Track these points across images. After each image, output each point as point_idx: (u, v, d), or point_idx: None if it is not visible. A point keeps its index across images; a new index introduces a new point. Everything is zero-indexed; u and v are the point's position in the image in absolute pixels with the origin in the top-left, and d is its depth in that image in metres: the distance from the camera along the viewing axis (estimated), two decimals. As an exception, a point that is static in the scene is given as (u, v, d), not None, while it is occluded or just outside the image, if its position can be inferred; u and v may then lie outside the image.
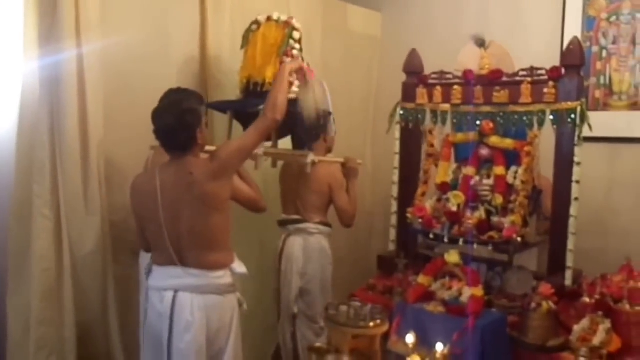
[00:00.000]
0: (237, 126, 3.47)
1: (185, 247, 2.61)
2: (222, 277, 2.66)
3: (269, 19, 3.39)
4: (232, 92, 3.56)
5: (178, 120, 2.56)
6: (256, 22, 3.43)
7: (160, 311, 2.61)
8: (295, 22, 3.37)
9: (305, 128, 3.18)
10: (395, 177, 3.68)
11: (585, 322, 2.72)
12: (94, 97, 3.11)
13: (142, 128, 3.21)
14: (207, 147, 2.79)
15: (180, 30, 3.55)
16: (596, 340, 2.61)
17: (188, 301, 2.58)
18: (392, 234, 3.70)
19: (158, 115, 2.60)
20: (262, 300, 3.79)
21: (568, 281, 2.99)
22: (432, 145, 3.55)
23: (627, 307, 2.75)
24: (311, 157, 3.40)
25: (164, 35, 3.47)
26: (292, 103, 3.08)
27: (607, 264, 3.21)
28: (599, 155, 3.75)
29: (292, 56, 3.30)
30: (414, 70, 3.61)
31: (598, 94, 3.94)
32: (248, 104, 3.28)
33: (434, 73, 3.48)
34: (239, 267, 2.73)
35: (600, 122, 3.59)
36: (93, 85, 3.10)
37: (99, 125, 3.16)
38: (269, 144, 3.34)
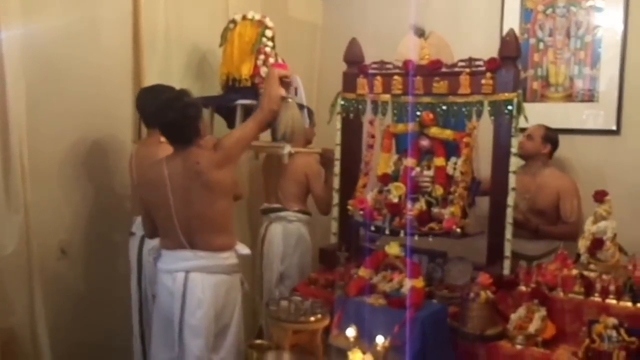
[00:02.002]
0: (218, 119, 3.84)
1: (195, 231, 2.95)
2: (229, 258, 3.03)
3: (244, 17, 3.78)
4: (167, 78, 3.64)
5: (181, 114, 2.89)
6: (233, 21, 3.84)
7: (172, 290, 2.94)
8: (267, 21, 3.78)
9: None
10: (337, 169, 3.76)
11: (521, 311, 2.90)
12: (15, 84, 3.08)
13: (71, 118, 3.29)
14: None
15: (111, 13, 3.57)
16: (532, 328, 2.79)
17: (199, 280, 2.93)
18: (334, 226, 3.78)
19: (161, 113, 2.93)
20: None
21: (506, 270, 3.16)
22: (372, 136, 3.64)
23: (561, 294, 2.94)
24: (287, 148, 3.73)
25: (93, 19, 3.48)
26: None
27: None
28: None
29: (265, 53, 3.75)
30: (354, 60, 3.70)
31: (535, 85, 4.17)
32: (227, 98, 3.65)
33: (374, 63, 3.58)
34: (243, 249, 3.10)
35: (538, 114, 3.84)
36: (13, 72, 3.08)
37: (20, 114, 3.12)
38: None
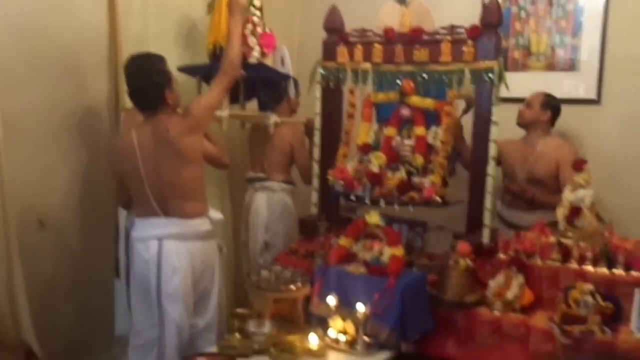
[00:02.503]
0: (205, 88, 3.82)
1: (166, 198, 3.04)
2: (202, 224, 3.12)
3: None
4: (144, 44, 3.65)
5: (148, 81, 2.98)
6: None
7: (146, 259, 3.03)
8: None
9: (266, 91, 3.72)
10: (317, 139, 3.79)
11: (500, 278, 2.98)
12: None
13: (45, 85, 3.33)
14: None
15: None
16: (510, 295, 2.88)
17: (173, 248, 3.01)
18: (314, 196, 3.83)
19: (129, 78, 3.03)
20: (233, 253, 4.09)
21: (485, 239, 3.23)
22: (353, 106, 3.68)
23: (539, 262, 3.03)
24: (273, 118, 3.93)
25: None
26: (254, 68, 3.72)
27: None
28: (516, 115, 4.01)
29: (253, 23, 3.79)
30: (334, 28, 3.71)
31: (517, 54, 4.22)
32: (214, 68, 3.60)
33: (355, 31, 3.61)
34: (215, 214, 3.20)
35: (519, 83, 3.90)
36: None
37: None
38: (236, 105, 3.83)
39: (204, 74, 3.87)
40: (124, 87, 3.56)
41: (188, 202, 3.08)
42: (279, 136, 4.14)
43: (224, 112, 3.72)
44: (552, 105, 3.87)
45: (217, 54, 3.77)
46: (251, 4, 3.79)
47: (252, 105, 4.09)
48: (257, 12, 3.83)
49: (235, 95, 3.84)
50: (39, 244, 3.41)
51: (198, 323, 3.15)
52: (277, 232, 4.18)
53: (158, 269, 3.01)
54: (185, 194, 3.07)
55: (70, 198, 3.58)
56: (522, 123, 3.89)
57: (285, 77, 4.03)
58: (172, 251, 3.01)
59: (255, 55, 3.79)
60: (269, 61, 3.95)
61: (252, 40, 3.78)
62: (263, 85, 3.93)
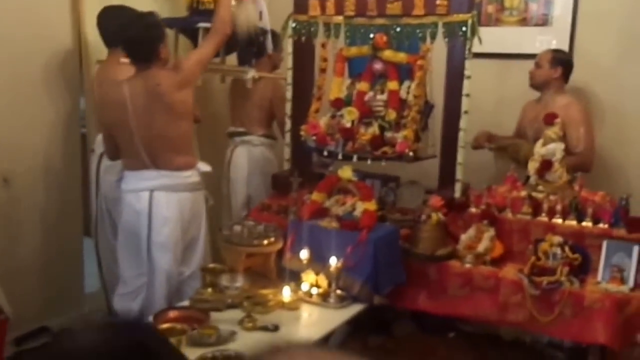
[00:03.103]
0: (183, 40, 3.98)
1: (157, 151, 3.17)
2: (191, 176, 3.28)
3: None
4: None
5: (144, 32, 3.11)
6: None
7: (137, 210, 3.19)
8: None
9: (242, 45, 3.77)
10: (289, 94, 3.82)
11: (471, 231, 3.09)
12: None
13: (6, 42, 3.28)
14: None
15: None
16: (481, 247, 3.00)
17: (164, 199, 3.18)
18: (287, 152, 3.87)
19: (123, 28, 3.15)
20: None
21: (457, 193, 3.32)
22: (325, 60, 3.70)
23: (510, 215, 3.14)
24: (251, 73, 4.00)
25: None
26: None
27: (493, 176, 3.61)
28: (489, 71, 4.10)
29: None
30: (306, -19, 3.73)
31: (490, 9, 4.27)
32: (192, 21, 3.84)
33: (327, -17, 3.63)
34: (203, 166, 3.37)
35: (492, 38, 3.94)
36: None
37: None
38: (217, 59, 3.85)
39: (181, 26, 3.93)
40: (90, 40, 3.58)
41: (178, 155, 3.22)
42: (258, 91, 4.17)
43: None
44: (562, 60, 3.81)
45: (194, 7, 3.87)
46: None
47: (232, 60, 4.14)
48: None
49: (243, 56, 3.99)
50: (4, 202, 3.43)
51: (184, 271, 3.30)
52: (258, 185, 4.24)
53: (149, 219, 3.17)
54: (176, 147, 3.21)
55: (37, 156, 3.61)
56: (534, 84, 3.86)
57: (262, 32, 4.03)
58: (162, 202, 3.18)
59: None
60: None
61: None
62: (241, 39, 3.91)
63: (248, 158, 4.27)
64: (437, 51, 3.40)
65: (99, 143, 3.62)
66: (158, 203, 3.18)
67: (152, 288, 3.21)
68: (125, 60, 3.43)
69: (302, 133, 3.58)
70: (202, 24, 3.85)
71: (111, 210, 3.65)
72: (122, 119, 3.15)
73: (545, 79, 3.81)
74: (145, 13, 3.23)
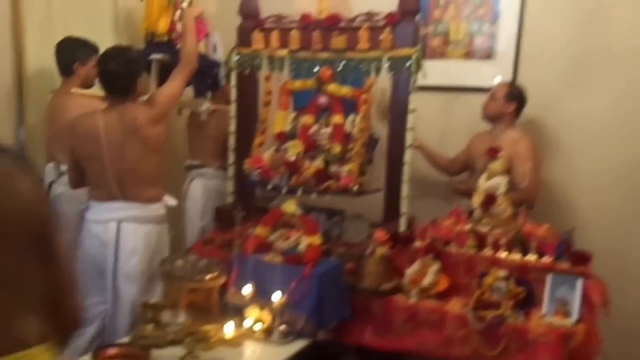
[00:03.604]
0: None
1: (128, 183, 3.27)
2: (158, 209, 3.39)
3: None
4: (50, 29, 3.68)
5: (123, 67, 3.21)
6: None
7: (104, 240, 3.27)
8: None
9: (197, 78, 3.83)
10: (232, 127, 3.86)
11: (416, 265, 3.13)
12: None
13: None
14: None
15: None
16: (426, 282, 3.04)
17: (132, 230, 3.28)
18: (230, 185, 3.90)
19: (104, 61, 3.26)
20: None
21: (402, 227, 3.37)
22: (269, 93, 3.74)
23: (455, 249, 3.20)
24: (205, 105, 4.19)
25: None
26: None
27: (440, 209, 3.68)
28: (435, 104, 4.19)
29: (182, 9, 4.00)
30: (250, 13, 3.76)
31: (435, 42, 4.37)
32: (146, 53, 3.98)
33: (271, 16, 3.68)
34: (170, 200, 3.48)
35: (437, 71, 4.01)
36: None
37: None
38: None
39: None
40: (29, 73, 3.57)
41: (148, 187, 3.33)
42: (214, 123, 4.24)
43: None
44: (517, 96, 3.88)
45: (150, 40, 4.04)
46: None
47: (188, 92, 4.18)
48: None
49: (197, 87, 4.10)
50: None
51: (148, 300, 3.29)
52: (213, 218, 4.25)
53: (116, 249, 3.27)
54: (146, 180, 3.31)
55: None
56: (487, 116, 3.92)
57: (216, 64, 4.11)
58: (130, 233, 3.27)
59: None
60: (200, 48, 4.00)
61: (180, 27, 3.90)
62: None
63: (204, 191, 4.34)
64: (383, 82, 3.46)
65: (48, 172, 3.67)
66: (125, 234, 3.27)
67: (117, 317, 3.30)
68: (77, 90, 3.62)
69: (245, 166, 3.61)
70: (154, 56, 4.01)
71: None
72: (94, 150, 3.24)
73: (499, 112, 3.88)
74: (125, 47, 3.43)
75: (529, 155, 3.75)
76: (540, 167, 3.86)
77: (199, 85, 4.22)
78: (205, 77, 4.12)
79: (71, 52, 3.70)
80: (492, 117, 3.91)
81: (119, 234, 3.27)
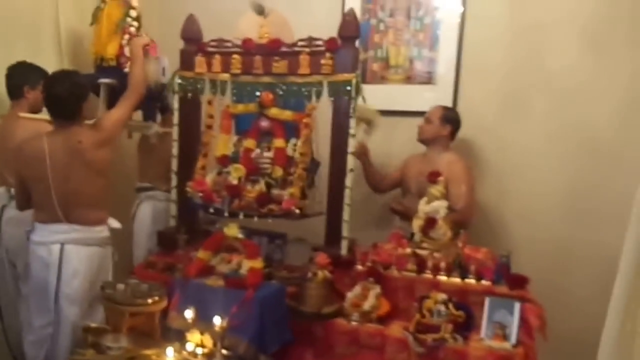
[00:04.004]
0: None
1: (71, 206, 3.30)
2: (102, 231, 3.42)
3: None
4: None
5: (68, 91, 3.23)
6: (103, 1, 4.11)
7: (47, 262, 3.29)
8: (133, 1, 4.02)
9: (146, 101, 3.86)
10: (175, 150, 3.85)
11: (357, 289, 3.16)
12: None
13: None
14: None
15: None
16: (367, 305, 3.06)
17: (75, 252, 3.29)
18: (173, 209, 3.89)
19: (50, 84, 3.28)
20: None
21: (344, 250, 3.40)
22: (211, 117, 3.74)
23: (395, 272, 3.24)
24: (155, 128, 4.25)
25: None
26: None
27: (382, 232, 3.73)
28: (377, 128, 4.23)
29: (130, 33, 4.08)
30: (192, 37, 3.78)
31: (376, 67, 4.45)
32: (94, 77, 4.06)
33: (213, 40, 3.70)
34: (114, 222, 3.49)
35: (378, 95, 4.10)
36: None
37: None
38: None
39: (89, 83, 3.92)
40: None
41: (92, 210, 3.36)
42: (163, 146, 4.24)
43: None
44: (452, 119, 3.96)
45: (97, 64, 4.10)
46: (127, 15, 4.04)
47: (137, 116, 4.21)
48: (135, 23, 4.07)
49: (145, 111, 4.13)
50: None
51: (89, 324, 3.27)
52: None
53: (59, 271, 3.27)
54: (90, 202, 3.35)
55: None
56: (422, 139, 3.99)
57: (165, 88, 4.08)
58: (73, 255, 3.29)
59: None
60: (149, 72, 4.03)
61: (128, 50, 3.96)
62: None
63: (152, 213, 4.37)
64: (324, 106, 3.49)
65: (1, 195, 3.72)
66: (68, 256, 3.29)
67: (58, 338, 3.31)
68: (24, 114, 3.65)
69: (188, 189, 3.59)
70: (103, 80, 4.07)
71: (14, 261, 3.74)
72: (39, 173, 3.27)
73: (434, 135, 3.95)
74: (70, 71, 3.44)
75: (464, 178, 3.83)
76: (475, 189, 3.93)
77: (148, 109, 4.26)
78: (154, 100, 4.14)
79: (21, 76, 3.74)
80: (427, 140, 3.99)
81: (62, 256, 3.28)
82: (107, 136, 3.39)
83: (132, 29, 4.09)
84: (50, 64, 3.75)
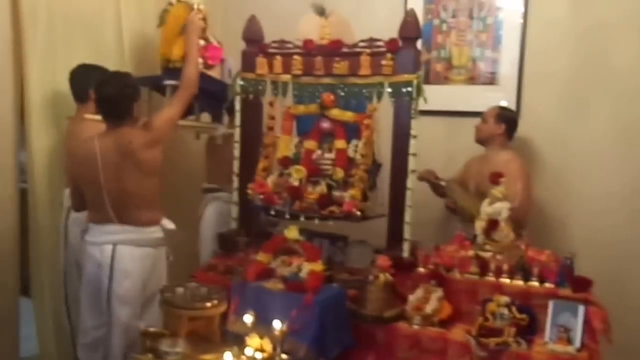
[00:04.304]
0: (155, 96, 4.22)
1: (123, 206, 3.33)
2: (155, 232, 3.42)
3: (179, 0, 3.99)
4: (52, 55, 3.72)
5: (119, 92, 3.28)
6: (170, 3, 4.08)
7: (100, 262, 3.33)
8: (198, 3, 3.98)
9: (211, 102, 3.95)
10: (237, 152, 3.87)
11: (419, 292, 3.11)
12: None
13: None
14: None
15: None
16: (428, 308, 3.01)
17: (127, 253, 3.32)
18: (234, 211, 3.90)
19: (100, 86, 3.31)
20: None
21: (405, 253, 3.35)
22: (272, 118, 3.75)
23: (458, 275, 3.18)
24: (221, 129, 4.25)
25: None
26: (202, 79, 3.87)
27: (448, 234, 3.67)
28: (439, 128, 4.19)
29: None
30: (253, 38, 3.79)
31: (439, 67, 4.39)
32: (161, 78, 4.08)
33: (274, 42, 3.70)
34: (168, 223, 3.49)
35: (441, 96, 4.06)
36: None
37: None
38: (191, 117, 4.05)
39: (152, 83, 4.13)
40: (31, 98, 3.59)
41: (143, 211, 3.37)
42: (229, 148, 4.16)
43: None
44: (506, 117, 3.92)
45: (164, 66, 4.07)
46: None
47: (205, 117, 4.30)
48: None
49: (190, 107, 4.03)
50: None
51: (148, 329, 3.28)
52: None
53: (111, 271, 3.31)
54: (142, 203, 3.36)
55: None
56: (478, 139, 3.98)
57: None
58: (125, 256, 3.32)
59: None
60: (215, 73, 4.11)
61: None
62: (208, 96, 4.05)
63: (218, 214, 4.35)
64: (386, 107, 3.46)
65: (66, 196, 3.74)
66: (120, 256, 3.31)
67: (111, 340, 3.34)
68: (90, 116, 3.65)
69: (249, 191, 3.60)
70: (168, 81, 4.03)
71: (79, 261, 3.74)
72: (91, 174, 3.31)
73: (489, 134, 3.92)
74: (121, 73, 3.46)
75: (520, 176, 3.77)
76: (531, 187, 3.86)
77: (215, 110, 4.28)
78: (221, 102, 4.13)
79: (85, 78, 3.76)
80: (483, 139, 3.97)
81: (114, 257, 3.32)
82: (157, 136, 3.40)
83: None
84: (113, 66, 3.79)
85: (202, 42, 3.97)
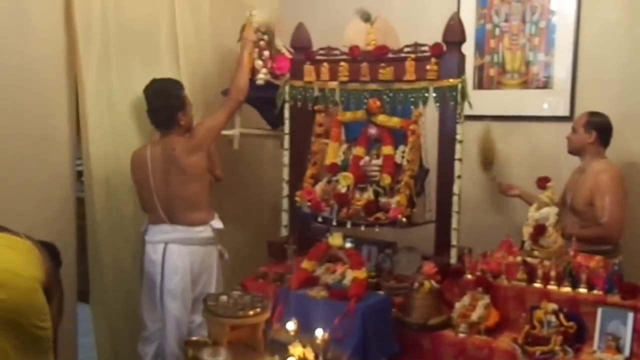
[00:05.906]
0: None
1: (173, 208, 3.60)
2: (203, 232, 3.65)
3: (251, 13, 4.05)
4: (106, 64, 3.75)
5: (163, 103, 3.56)
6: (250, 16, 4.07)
7: (154, 259, 3.61)
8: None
9: (275, 111, 3.95)
10: (286, 159, 3.87)
11: (466, 299, 3.05)
12: None
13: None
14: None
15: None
16: (475, 316, 2.94)
17: (176, 250, 3.59)
18: (284, 218, 3.90)
19: (148, 98, 3.59)
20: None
21: (453, 259, 3.30)
22: (321, 125, 3.75)
23: (505, 282, 3.10)
24: (237, 133, 4.16)
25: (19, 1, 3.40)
26: (261, 89, 4.00)
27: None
28: (493, 133, 4.09)
29: (259, 47, 4.02)
30: (301, 46, 3.81)
31: (492, 72, 4.31)
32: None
33: (322, 49, 3.70)
34: (217, 223, 3.71)
35: (494, 101, 4.00)
36: None
37: None
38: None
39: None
40: (86, 107, 3.66)
41: (191, 212, 3.62)
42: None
43: (235, 131, 4.10)
44: (596, 124, 3.68)
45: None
46: (257, 30, 4.00)
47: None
48: (264, 37, 4.03)
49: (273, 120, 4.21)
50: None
51: (195, 319, 3.63)
52: None
53: (162, 268, 3.57)
54: (189, 205, 3.61)
55: (31, 221, 3.59)
56: (570, 150, 3.79)
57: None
58: (174, 253, 3.58)
59: (261, 77, 4.01)
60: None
61: (258, 63, 4.00)
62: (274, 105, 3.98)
63: None
64: (432, 113, 3.42)
65: None
66: (171, 254, 3.58)
67: (165, 333, 3.60)
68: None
69: (297, 199, 3.61)
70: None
71: None
72: (144, 179, 3.61)
73: (580, 144, 3.72)
74: (169, 83, 3.65)
75: (610, 189, 3.56)
76: (624, 202, 3.60)
77: (271, 119, 4.27)
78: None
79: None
80: (574, 150, 3.77)
81: (165, 254, 3.58)
82: (199, 143, 3.61)
83: (262, 43, 4.04)
84: (167, 74, 3.82)
85: (266, 53, 4.01)
